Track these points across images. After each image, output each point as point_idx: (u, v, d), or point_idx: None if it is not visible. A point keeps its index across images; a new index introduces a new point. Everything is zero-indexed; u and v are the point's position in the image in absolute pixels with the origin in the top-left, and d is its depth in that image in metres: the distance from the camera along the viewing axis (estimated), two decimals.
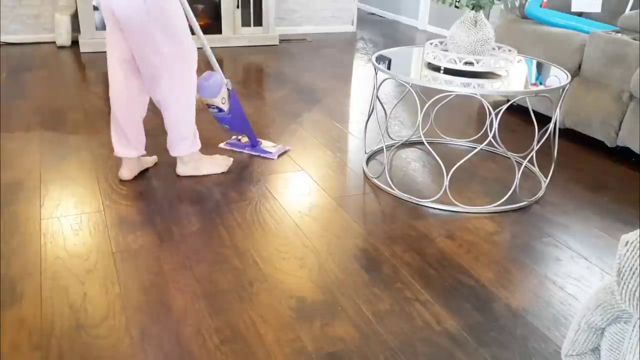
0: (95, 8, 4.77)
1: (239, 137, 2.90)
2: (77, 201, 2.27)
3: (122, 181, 2.45)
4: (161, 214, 2.20)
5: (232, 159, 2.65)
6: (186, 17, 2.27)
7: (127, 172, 2.45)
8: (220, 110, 2.57)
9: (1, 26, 4.89)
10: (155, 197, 2.33)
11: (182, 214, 2.21)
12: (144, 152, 2.49)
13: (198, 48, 2.35)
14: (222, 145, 2.87)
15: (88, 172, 2.53)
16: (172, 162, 2.65)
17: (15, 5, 4.90)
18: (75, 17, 4.91)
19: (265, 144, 2.84)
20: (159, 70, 2.24)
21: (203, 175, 2.51)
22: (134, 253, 1.94)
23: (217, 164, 2.56)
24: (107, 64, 2.32)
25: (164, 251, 1.96)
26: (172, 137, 2.42)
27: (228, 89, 2.56)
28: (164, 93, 2.30)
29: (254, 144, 2.81)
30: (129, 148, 2.42)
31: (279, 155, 2.77)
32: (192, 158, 2.48)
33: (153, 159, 2.62)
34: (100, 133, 2.98)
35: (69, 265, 1.85)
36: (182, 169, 2.50)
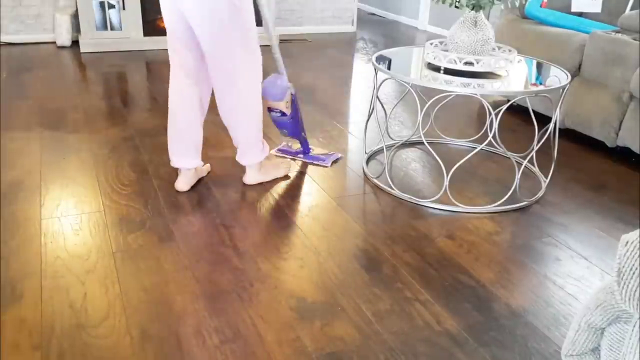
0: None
1: (290, 144, 2.86)
2: (77, 201, 2.27)
3: (124, 185, 2.45)
4: (161, 214, 2.20)
5: (290, 162, 2.63)
6: (262, 17, 2.26)
7: (183, 184, 2.38)
8: (283, 114, 2.51)
9: (1, 26, 4.89)
10: (155, 197, 2.33)
11: (182, 214, 2.21)
12: (202, 162, 2.42)
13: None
14: (273, 151, 2.80)
15: (88, 172, 2.53)
16: None
17: (15, 5, 4.90)
18: (75, 17, 4.91)
19: (317, 151, 2.80)
20: (231, 77, 2.19)
21: (268, 182, 2.49)
22: (134, 253, 1.94)
23: (280, 168, 2.54)
24: (169, 71, 2.28)
25: (164, 251, 1.96)
26: (244, 146, 2.37)
27: (292, 94, 2.50)
28: (234, 102, 2.24)
29: (306, 151, 2.76)
30: (189, 158, 2.35)
31: (332, 163, 2.71)
32: (261, 164, 2.45)
33: (207, 167, 2.56)
34: (101, 133, 2.98)
35: (69, 265, 1.85)
36: (252, 177, 2.45)
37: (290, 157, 2.77)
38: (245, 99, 2.26)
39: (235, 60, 2.16)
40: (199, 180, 2.48)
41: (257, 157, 2.40)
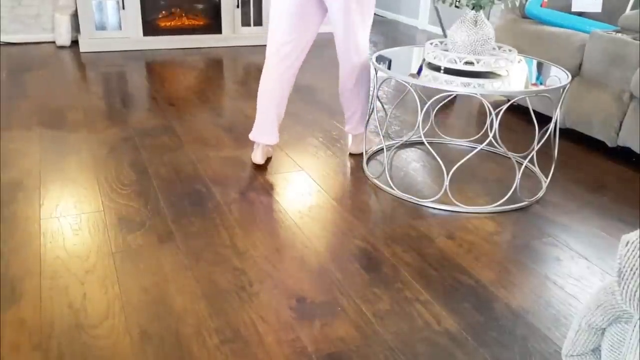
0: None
1: None
2: (77, 201, 2.27)
3: (124, 185, 2.45)
4: (161, 214, 2.19)
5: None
6: None
7: (261, 157, 2.64)
8: None
9: (1, 26, 4.89)
10: (155, 197, 2.33)
11: (182, 214, 2.20)
12: (278, 140, 2.68)
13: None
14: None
15: (88, 172, 2.53)
16: (173, 161, 2.65)
17: (15, 5, 4.89)
18: (75, 17, 4.91)
19: None
20: (358, 52, 2.53)
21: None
22: (134, 253, 1.94)
23: (371, 138, 2.91)
24: (267, 55, 2.52)
25: (164, 251, 1.96)
26: (360, 117, 2.72)
27: None
28: (359, 75, 2.59)
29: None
30: (273, 135, 2.62)
31: None
32: (362, 135, 2.80)
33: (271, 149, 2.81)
34: (100, 133, 2.98)
35: (68, 265, 1.85)
36: (357, 147, 2.83)
37: None
38: (367, 71, 2.62)
39: (359, 37, 2.50)
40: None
41: (364, 127, 2.76)
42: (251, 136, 2.62)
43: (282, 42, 2.46)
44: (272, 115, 2.57)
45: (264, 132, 2.60)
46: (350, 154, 2.83)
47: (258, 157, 2.63)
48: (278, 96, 2.55)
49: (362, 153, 2.80)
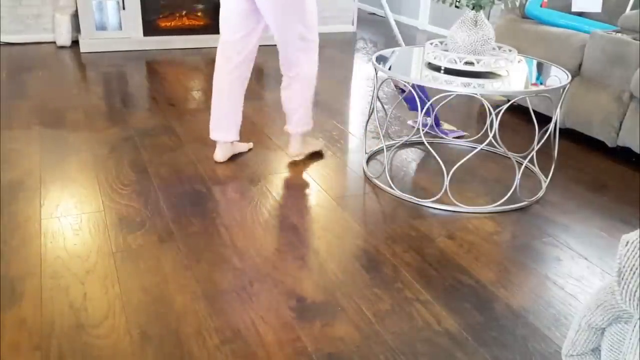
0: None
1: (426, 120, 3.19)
2: (77, 201, 2.27)
3: (124, 185, 2.45)
4: (161, 214, 2.19)
5: (322, 142, 2.84)
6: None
7: (221, 155, 2.65)
8: (403, 91, 2.94)
9: (1, 26, 4.89)
10: (155, 197, 2.33)
11: (182, 214, 2.20)
12: (238, 138, 2.66)
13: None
14: (409, 122, 3.28)
15: (88, 172, 2.53)
16: (173, 161, 2.65)
17: (15, 5, 4.89)
18: (75, 17, 4.91)
19: (447, 126, 3.20)
20: (295, 51, 2.46)
21: (304, 155, 2.77)
22: (134, 253, 1.94)
23: (317, 143, 2.84)
24: (217, 55, 2.52)
25: (164, 251, 1.96)
26: (303, 114, 2.64)
27: None
28: (304, 69, 2.51)
29: (437, 124, 3.13)
30: (228, 132, 2.61)
31: (454, 137, 3.06)
32: (303, 137, 2.72)
33: (248, 145, 2.82)
34: (100, 133, 2.98)
35: (69, 265, 1.85)
36: (297, 148, 2.72)
37: (424, 129, 3.16)
38: (311, 67, 2.54)
39: (296, 37, 2.42)
40: (237, 155, 2.74)
41: (309, 125, 2.69)
42: (210, 135, 2.64)
43: (227, 42, 2.46)
44: (225, 111, 2.57)
45: (219, 128, 2.61)
46: (291, 159, 2.73)
47: (218, 155, 2.65)
48: (226, 94, 2.54)
49: (301, 157, 2.73)
